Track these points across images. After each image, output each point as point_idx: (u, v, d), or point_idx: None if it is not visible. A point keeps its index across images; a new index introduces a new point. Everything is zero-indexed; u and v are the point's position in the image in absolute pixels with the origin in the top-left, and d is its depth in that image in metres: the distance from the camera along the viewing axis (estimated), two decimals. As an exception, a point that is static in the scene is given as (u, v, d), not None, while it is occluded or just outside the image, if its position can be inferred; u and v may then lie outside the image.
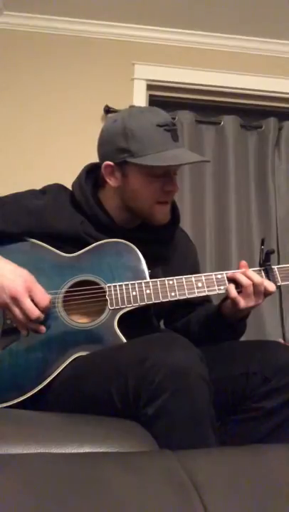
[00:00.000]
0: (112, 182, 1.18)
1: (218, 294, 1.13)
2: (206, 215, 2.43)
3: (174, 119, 2.48)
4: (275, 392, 0.99)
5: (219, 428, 0.96)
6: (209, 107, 2.60)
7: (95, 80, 2.45)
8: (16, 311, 1.00)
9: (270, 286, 1.09)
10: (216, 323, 1.18)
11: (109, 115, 2.31)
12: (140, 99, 2.45)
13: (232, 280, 1.10)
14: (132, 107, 1.25)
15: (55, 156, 2.31)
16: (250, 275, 1.09)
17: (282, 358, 1.02)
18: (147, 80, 2.49)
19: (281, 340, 2.15)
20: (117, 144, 1.14)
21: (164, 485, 0.53)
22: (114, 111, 2.34)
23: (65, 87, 2.44)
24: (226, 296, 1.13)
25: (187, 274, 1.12)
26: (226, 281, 1.11)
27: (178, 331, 1.25)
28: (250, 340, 1.21)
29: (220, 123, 2.53)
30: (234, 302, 1.09)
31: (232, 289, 1.09)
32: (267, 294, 1.10)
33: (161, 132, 1.11)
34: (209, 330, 1.19)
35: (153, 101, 2.56)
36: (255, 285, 1.08)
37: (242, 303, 1.08)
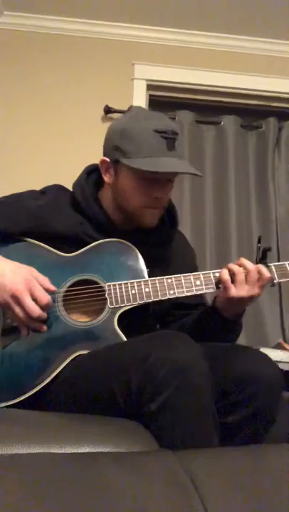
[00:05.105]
0: (106, 178, 1.20)
1: (217, 292, 1.12)
2: (206, 215, 2.43)
3: (173, 119, 2.48)
4: (236, 407, 0.94)
5: None
6: (209, 107, 2.59)
7: (95, 80, 2.45)
8: (17, 309, 1.01)
9: (265, 272, 1.06)
10: (210, 318, 1.16)
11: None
12: (140, 99, 2.45)
13: (225, 268, 1.10)
14: (139, 108, 1.25)
15: (55, 156, 2.31)
16: (244, 263, 1.08)
17: (244, 368, 0.96)
18: (147, 80, 2.48)
19: (281, 340, 2.15)
20: (113, 141, 1.16)
21: (163, 485, 0.53)
22: (115, 111, 2.34)
23: (65, 87, 2.43)
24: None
25: None
26: None
27: None
28: (216, 346, 1.09)
29: (220, 123, 2.53)
30: (225, 287, 1.07)
31: (224, 273, 1.08)
32: (263, 283, 1.07)
33: (156, 138, 1.11)
34: (203, 327, 1.17)
35: (153, 101, 2.56)
36: (247, 272, 1.07)
37: (233, 290, 1.06)
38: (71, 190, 1.26)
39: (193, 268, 1.31)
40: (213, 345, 1.07)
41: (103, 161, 1.19)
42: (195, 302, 1.25)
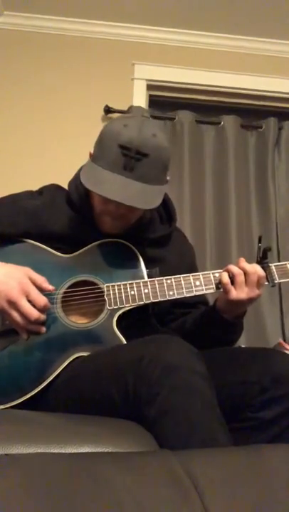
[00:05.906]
0: None
1: (216, 292, 1.13)
2: (206, 215, 2.43)
3: (174, 119, 2.48)
4: (272, 403, 0.96)
5: None
6: (209, 107, 2.59)
7: (95, 80, 2.45)
8: (15, 314, 1.00)
9: (260, 271, 1.08)
10: (211, 319, 1.17)
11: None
12: (140, 99, 2.45)
13: (226, 271, 1.10)
14: (136, 110, 1.24)
15: (55, 155, 2.31)
16: (243, 265, 1.08)
17: (281, 367, 0.98)
18: (147, 80, 2.48)
19: (281, 341, 2.15)
20: (97, 139, 1.14)
21: (164, 485, 0.53)
22: (115, 111, 2.34)
23: (65, 87, 2.43)
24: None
25: (184, 273, 1.12)
26: None
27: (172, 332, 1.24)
28: (250, 348, 1.16)
29: (220, 123, 2.53)
30: (226, 290, 1.08)
31: (224, 276, 1.09)
32: (261, 282, 1.09)
33: (117, 153, 1.05)
34: (204, 329, 1.18)
35: (153, 101, 2.56)
36: (247, 274, 1.07)
37: (233, 293, 1.08)
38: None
39: (192, 266, 1.31)
40: (248, 348, 1.14)
41: (90, 154, 1.17)
42: (194, 301, 1.25)
